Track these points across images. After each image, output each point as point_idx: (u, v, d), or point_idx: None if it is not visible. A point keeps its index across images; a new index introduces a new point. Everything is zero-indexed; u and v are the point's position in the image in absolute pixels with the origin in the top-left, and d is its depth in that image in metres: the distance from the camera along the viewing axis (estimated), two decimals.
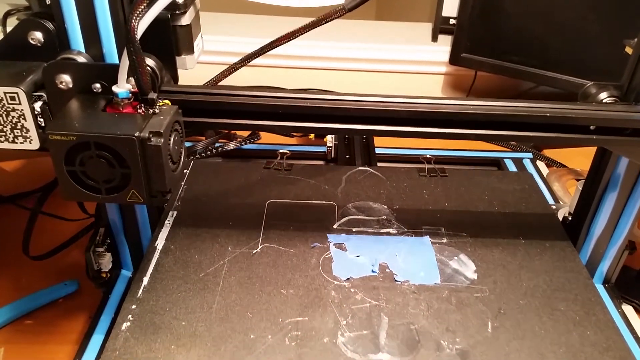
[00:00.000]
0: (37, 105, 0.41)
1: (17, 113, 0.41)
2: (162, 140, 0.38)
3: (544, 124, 0.45)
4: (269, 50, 0.54)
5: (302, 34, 0.52)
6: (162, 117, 0.39)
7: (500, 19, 0.89)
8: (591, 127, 0.45)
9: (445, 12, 1.04)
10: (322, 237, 0.56)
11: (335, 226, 0.58)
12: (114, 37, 0.43)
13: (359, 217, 0.59)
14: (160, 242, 0.55)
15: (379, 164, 0.77)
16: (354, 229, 0.57)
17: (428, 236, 0.57)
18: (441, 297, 0.50)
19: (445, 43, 1.03)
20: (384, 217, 0.59)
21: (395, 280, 0.52)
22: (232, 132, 0.82)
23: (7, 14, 0.76)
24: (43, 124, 0.42)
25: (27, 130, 0.42)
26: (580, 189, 0.58)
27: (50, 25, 0.43)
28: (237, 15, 1.14)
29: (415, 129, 0.46)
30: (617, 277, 0.60)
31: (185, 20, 0.47)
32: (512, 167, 0.82)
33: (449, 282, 0.52)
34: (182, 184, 0.63)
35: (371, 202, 0.62)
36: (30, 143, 0.43)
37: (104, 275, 0.56)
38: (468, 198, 0.63)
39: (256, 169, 0.67)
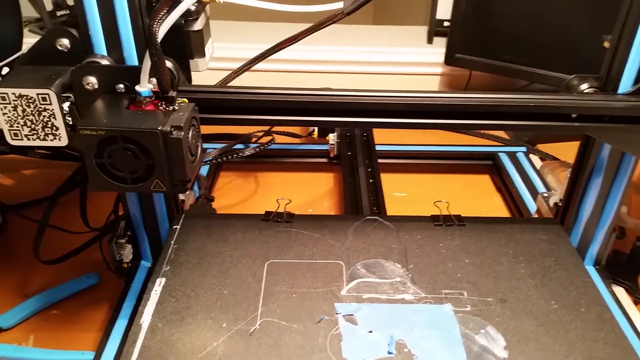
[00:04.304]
0: (66, 105, 0.45)
1: (48, 112, 0.45)
2: (183, 133, 0.42)
3: (529, 113, 0.49)
4: (272, 54, 0.57)
5: (303, 37, 0.55)
6: (181, 113, 0.43)
7: (492, 20, 0.93)
8: (573, 115, 0.49)
9: (440, 15, 1.08)
10: (329, 306, 0.49)
11: (343, 292, 0.51)
12: (134, 41, 0.47)
13: (370, 279, 0.52)
14: (145, 319, 0.48)
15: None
16: (364, 296, 0.50)
17: (450, 304, 0.49)
18: None
19: (440, 45, 1.07)
20: (398, 279, 0.52)
21: None
22: (252, 135, 0.85)
23: None
24: (71, 123, 0.46)
25: (57, 129, 0.46)
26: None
27: (75, 33, 0.46)
28: (240, 23, 1.19)
29: (412, 121, 0.50)
30: (610, 260, 0.63)
31: (197, 25, 0.51)
32: (506, 161, 0.85)
33: None
34: (172, 243, 0.56)
35: (382, 259, 0.54)
36: (60, 140, 0.46)
37: (125, 265, 0.60)
38: (490, 252, 0.55)
39: (253, 222, 0.59)
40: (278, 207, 0.61)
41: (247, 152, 0.76)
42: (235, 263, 0.54)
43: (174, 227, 0.58)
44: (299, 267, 0.53)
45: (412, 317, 0.48)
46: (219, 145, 0.77)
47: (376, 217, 0.60)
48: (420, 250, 0.56)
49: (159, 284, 0.51)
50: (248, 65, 0.60)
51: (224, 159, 0.75)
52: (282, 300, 0.50)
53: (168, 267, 0.53)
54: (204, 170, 0.83)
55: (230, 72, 0.60)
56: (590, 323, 0.48)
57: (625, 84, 0.50)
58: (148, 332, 0.47)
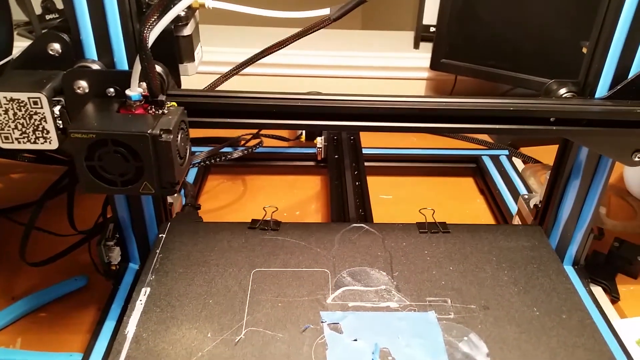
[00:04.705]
0: (56, 109, 0.46)
1: (39, 116, 0.46)
2: (172, 136, 0.42)
3: (510, 117, 0.50)
4: (260, 58, 0.58)
5: (291, 42, 0.57)
6: (170, 117, 0.44)
7: (476, 26, 0.95)
8: (551, 119, 0.50)
9: (426, 21, 1.10)
10: (315, 315, 0.49)
11: (328, 301, 0.51)
12: (124, 46, 0.48)
13: (355, 287, 0.52)
14: (130, 329, 0.47)
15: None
16: (350, 304, 0.51)
17: (433, 311, 0.50)
18: None
19: (426, 50, 1.09)
20: (383, 286, 0.52)
21: None
22: (241, 138, 0.85)
23: None
24: (61, 126, 0.47)
25: (48, 132, 0.46)
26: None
27: (66, 37, 0.47)
28: (228, 27, 1.20)
29: (398, 124, 0.51)
30: (588, 260, 0.65)
31: (187, 31, 0.52)
32: (489, 164, 0.87)
33: None
34: (157, 251, 0.56)
35: (368, 267, 0.55)
36: (50, 143, 0.47)
37: (114, 267, 0.60)
38: (474, 259, 0.56)
39: (240, 230, 0.59)
40: (265, 215, 0.61)
41: (235, 155, 0.77)
42: (221, 272, 0.54)
43: (160, 235, 0.58)
44: (285, 276, 0.53)
45: (397, 325, 0.49)
46: (208, 149, 0.78)
47: (362, 225, 0.61)
48: (405, 257, 0.56)
49: (143, 294, 0.51)
50: (236, 70, 0.61)
51: (212, 161, 0.75)
52: (267, 309, 0.50)
53: (153, 277, 0.53)
54: (192, 173, 0.84)
55: (219, 76, 0.61)
56: (572, 329, 0.49)
57: (602, 89, 0.52)
58: (133, 342, 0.46)
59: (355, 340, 0.47)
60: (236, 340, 0.47)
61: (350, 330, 0.48)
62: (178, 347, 0.46)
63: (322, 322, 0.49)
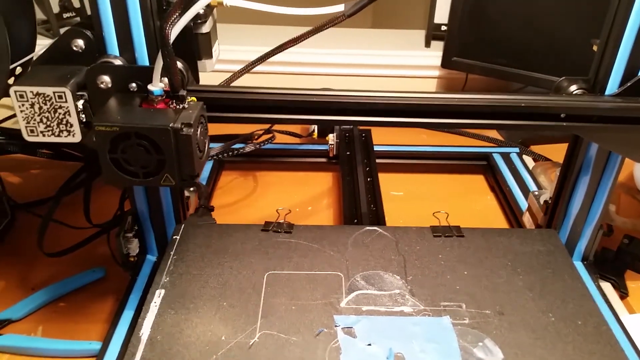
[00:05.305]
0: (80, 103, 0.48)
1: (63, 110, 0.47)
2: (192, 130, 0.44)
3: (521, 113, 0.51)
4: (274, 55, 0.59)
5: (305, 39, 0.57)
6: (191, 111, 0.46)
7: (488, 25, 0.95)
8: (562, 115, 0.51)
9: (437, 20, 1.11)
10: (329, 318, 0.49)
11: (342, 304, 0.51)
12: (145, 43, 0.49)
13: (369, 291, 0.52)
14: (145, 332, 0.48)
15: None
16: (363, 308, 0.50)
17: (448, 316, 0.49)
18: None
19: (437, 48, 1.10)
20: (397, 291, 0.52)
21: None
22: (254, 134, 0.87)
23: None
24: (85, 120, 0.48)
25: (71, 125, 0.48)
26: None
27: (90, 34, 0.49)
28: (242, 26, 1.21)
29: (409, 120, 0.52)
30: (598, 257, 0.66)
31: (205, 28, 0.53)
32: (500, 162, 0.88)
33: None
34: (172, 253, 0.56)
35: (382, 271, 0.54)
36: (73, 136, 0.49)
37: (132, 259, 0.62)
38: (489, 264, 0.56)
39: (253, 232, 0.59)
40: (278, 217, 0.62)
41: (248, 149, 0.78)
42: (235, 274, 0.54)
43: (174, 237, 0.59)
44: (299, 279, 0.53)
45: (411, 329, 0.48)
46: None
47: (375, 228, 0.60)
48: (419, 261, 0.56)
49: (158, 296, 0.51)
50: (250, 67, 0.62)
51: (225, 155, 0.77)
52: (281, 312, 0.50)
53: (167, 279, 0.53)
54: (207, 168, 0.85)
55: (232, 73, 0.62)
56: (588, 336, 0.48)
57: (612, 86, 0.53)
58: (147, 344, 0.47)
59: (369, 344, 0.47)
60: (250, 344, 0.47)
61: (364, 334, 0.48)
62: (192, 350, 0.46)
63: (336, 326, 0.48)
